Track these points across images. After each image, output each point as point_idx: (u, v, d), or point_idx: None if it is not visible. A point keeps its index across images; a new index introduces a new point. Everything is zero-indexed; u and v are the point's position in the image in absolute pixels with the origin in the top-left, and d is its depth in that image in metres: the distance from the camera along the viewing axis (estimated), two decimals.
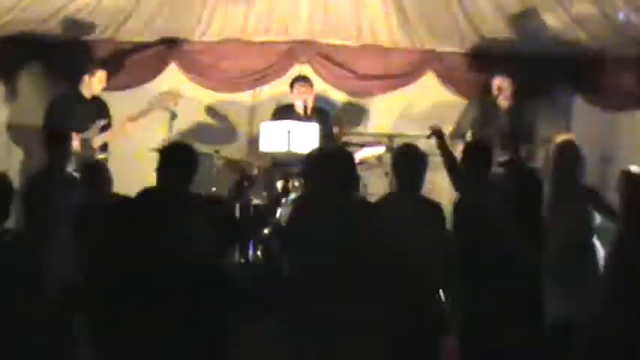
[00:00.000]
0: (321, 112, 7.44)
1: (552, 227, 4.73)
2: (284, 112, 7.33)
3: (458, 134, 7.25)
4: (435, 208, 4.64)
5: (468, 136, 7.27)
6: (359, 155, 7.08)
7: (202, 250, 4.19)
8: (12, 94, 7.92)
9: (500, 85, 7.17)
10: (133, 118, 7.20)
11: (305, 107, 7.28)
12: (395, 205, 4.52)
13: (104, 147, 7.20)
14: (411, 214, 4.42)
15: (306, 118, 7.19)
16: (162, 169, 4.44)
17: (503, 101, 7.19)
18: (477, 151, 5.35)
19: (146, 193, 4.53)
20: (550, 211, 4.92)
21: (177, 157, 4.48)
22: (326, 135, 7.17)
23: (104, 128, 7.17)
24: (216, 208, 4.74)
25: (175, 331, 4.00)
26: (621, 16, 6.97)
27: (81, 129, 7.08)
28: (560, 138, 7.22)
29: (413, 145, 4.96)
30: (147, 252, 4.17)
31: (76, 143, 6.99)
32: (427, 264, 4.31)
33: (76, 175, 6.74)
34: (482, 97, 7.41)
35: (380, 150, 7.26)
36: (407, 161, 4.70)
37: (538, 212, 4.50)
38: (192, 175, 4.49)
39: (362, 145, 7.27)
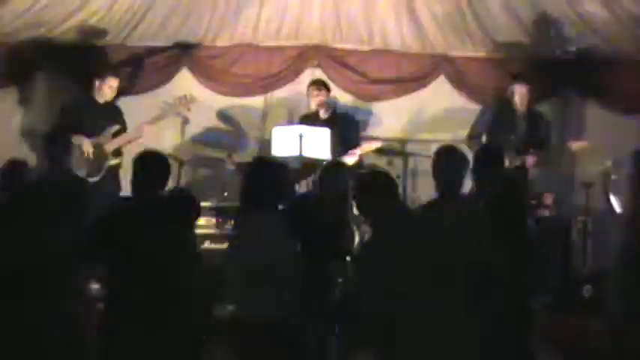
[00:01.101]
0: (343, 117, 7.46)
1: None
2: (308, 119, 7.35)
3: (474, 135, 7.25)
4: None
5: (483, 138, 7.26)
6: (358, 152, 7.16)
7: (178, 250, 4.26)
8: (25, 99, 7.95)
9: (519, 91, 7.14)
10: (149, 122, 7.22)
11: (319, 110, 7.30)
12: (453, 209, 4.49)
13: (117, 152, 7.21)
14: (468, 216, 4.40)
15: (320, 122, 7.20)
16: (135, 178, 4.52)
17: (521, 107, 7.15)
18: (488, 155, 5.33)
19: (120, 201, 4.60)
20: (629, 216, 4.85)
21: (147, 166, 4.55)
22: (347, 140, 7.19)
23: (117, 133, 7.18)
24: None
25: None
26: None
27: (93, 134, 7.10)
28: (576, 145, 7.20)
29: (453, 147, 4.95)
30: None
31: (88, 148, 7.02)
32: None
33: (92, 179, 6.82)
34: (499, 101, 7.38)
35: (377, 144, 7.29)
36: (450, 163, 4.67)
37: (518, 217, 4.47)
38: (164, 182, 4.58)
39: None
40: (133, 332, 4.12)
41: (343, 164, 6.49)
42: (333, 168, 5.78)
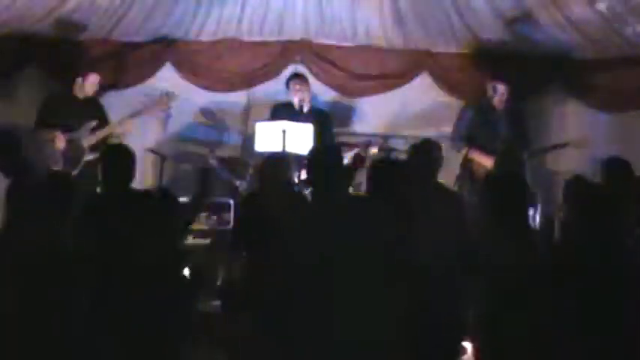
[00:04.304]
0: (320, 113, 7.44)
1: None
2: (281, 110, 7.32)
3: (456, 137, 7.25)
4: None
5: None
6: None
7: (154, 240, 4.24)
8: (5, 94, 7.88)
9: (498, 90, 7.16)
10: (127, 118, 7.18)
11: (301, 105, 7.27)
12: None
13: (96, 147, 7.14)
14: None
15: (303, 116, 7.17)
16: (104, 172, 4.65)
17: (499, 104, 7.19)
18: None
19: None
20: None
21: (114, 159, 4.67)
22: (324, 136, 7.17)
23: (94, 129, 7.12)
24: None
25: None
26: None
27: (71, 129, 7.05)
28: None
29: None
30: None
31: (60, 143, 6.97)
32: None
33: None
34: (478, 100, 7.41)
35: (374, 151, 7.28)
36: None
37: (521, 213, 4.44)
38: (131, 173, 4.67)
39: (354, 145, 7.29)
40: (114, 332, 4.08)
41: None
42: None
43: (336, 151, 4.33)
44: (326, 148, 4.69)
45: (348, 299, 3.71)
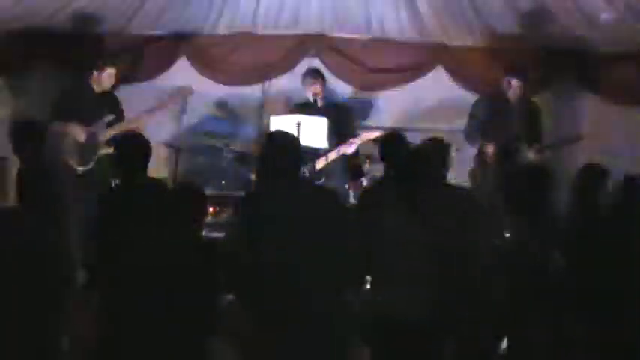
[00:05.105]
0: (336, 107, 7.47)
1: None
2: (301, 108, 7.36)
3: (471, 130, 7.25)
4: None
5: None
6: (357, 142, 7.18)
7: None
8: (20, 88, 7.93)
9: (512, 84, 7.16)
10: (146, 114, 7.21)
11: (315, 99, 7.31)
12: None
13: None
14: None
15: (317, 111, 7.21)
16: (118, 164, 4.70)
17: (514, 98, 7.18)
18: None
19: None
20: None
21: (127, 150, 4.74)
22: (341, 130, 7.20)
23: (112, 123, 7.16)
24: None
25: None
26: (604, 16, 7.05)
27: (88, 123, 7.09)
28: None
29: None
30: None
31: (81, 136, 7.02)
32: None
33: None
34: (492, 94, 7.41)
35: (375, 134, 7.28)
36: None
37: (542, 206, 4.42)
38: (145, 162, 4.74)
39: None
40: (134, 331, 4.06)
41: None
42: None
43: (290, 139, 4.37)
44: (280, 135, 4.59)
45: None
